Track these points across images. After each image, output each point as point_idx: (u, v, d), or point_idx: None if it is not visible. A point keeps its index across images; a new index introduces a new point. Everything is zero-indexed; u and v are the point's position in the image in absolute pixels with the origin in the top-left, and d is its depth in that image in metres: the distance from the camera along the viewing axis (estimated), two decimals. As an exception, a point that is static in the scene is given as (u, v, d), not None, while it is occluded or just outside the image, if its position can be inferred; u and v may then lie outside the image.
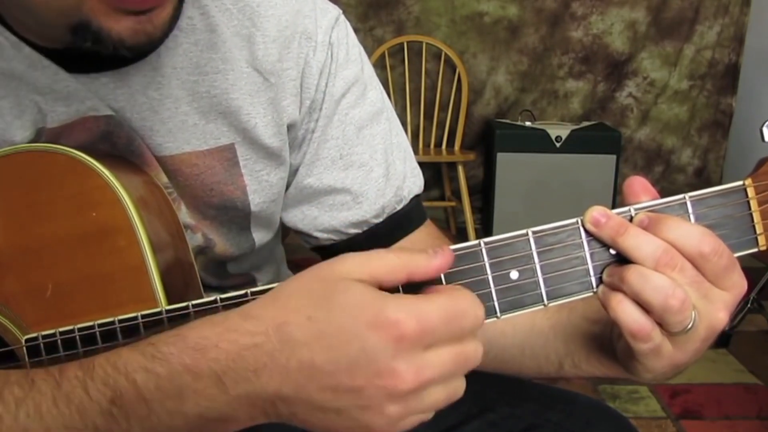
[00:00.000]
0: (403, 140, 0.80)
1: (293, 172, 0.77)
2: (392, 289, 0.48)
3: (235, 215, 0.74)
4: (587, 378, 0.65)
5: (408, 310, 0.45)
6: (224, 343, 0.47)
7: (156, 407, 0.48)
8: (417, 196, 0.80)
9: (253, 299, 0.50)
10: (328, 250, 0.78)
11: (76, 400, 0.49)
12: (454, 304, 0.47)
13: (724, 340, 2.38)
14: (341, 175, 0.75)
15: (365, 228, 0.77)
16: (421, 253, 0.49)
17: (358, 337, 0.45)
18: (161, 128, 0.68)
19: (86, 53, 0.63)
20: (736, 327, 2.39)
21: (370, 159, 0.76)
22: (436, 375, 0.46)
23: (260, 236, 0.78)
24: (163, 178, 0.69)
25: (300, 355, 0.46)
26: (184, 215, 0.72)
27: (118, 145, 0.67)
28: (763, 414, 2.05)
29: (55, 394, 0.49)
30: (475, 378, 0.75)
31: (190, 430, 0.48)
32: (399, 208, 0.78)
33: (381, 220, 0.77)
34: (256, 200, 0.74)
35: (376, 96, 0.78)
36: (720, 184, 0.54)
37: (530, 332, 0.70)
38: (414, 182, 0.80)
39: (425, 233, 0.80)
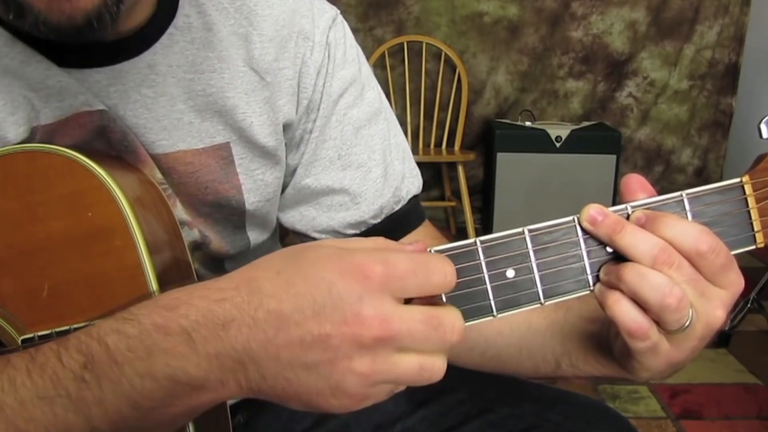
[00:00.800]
0: (402, 140, 0.80)
1: (291, 173, 0.77)
2: None
3: (229, 213, 0.74)
4: (587, 378, 0.65)
5: (374, 256, 0.46)
6: (195, 299, 0.47)
7: (127, 370, 0.47)
8: (415, 197, 0.80)
9: None
10: None
11: (50, 369, 0.48)
12: (422, 257, 0.47)
13: (724, 340, 2.38)
14: (339, 175, 0.75)
15: (363, 228, 0.77)
16: (397, 243, 0.50)
17: (324, 281, 0.45)
18: (155, 126, 0.67)
19: (81, 48, 0.63)
20: (736, 327, 2.39)
21: (369, 159, 0.76)
22: (405, 329, 0.45)
23: (255, 235, 0.78)
24: (158, 175, 0.69)
25: (267, 305, 0.45)
26: (180, 212, 0.72)
27: (112, 141, 0.67)
28: (763, 414, 2.05)
29: (29, 366, 0.49)
30: (475, 378, 0.76)
31: (162, 395, 0.48)
32: (397, 208, 0.78)
33: (379, 220, 0.77)
34: (251, 199, 0.74)
35: (374, 96, 0.78)
36: (720, 184, 0.54)
37: (527, 332, 0.70)
38: (412, 182, 0.80)
39: (423, 233, 0.80)
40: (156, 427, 0.50)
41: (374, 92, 0.78)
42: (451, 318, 0.47)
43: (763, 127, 0.55)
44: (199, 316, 0.46)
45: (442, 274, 0.47)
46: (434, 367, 0.47)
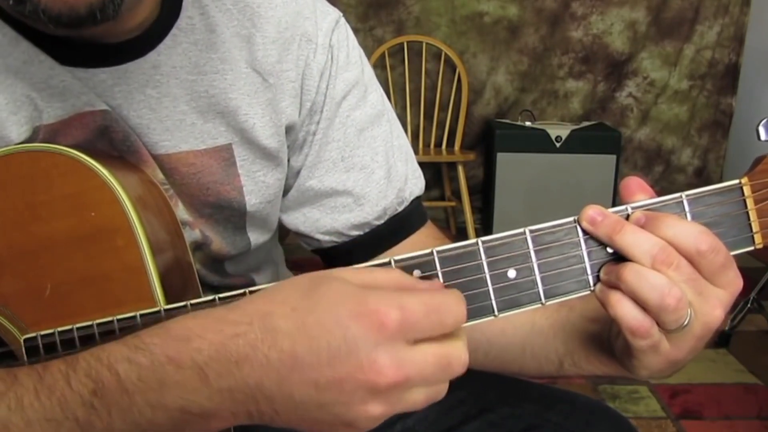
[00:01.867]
0: (404, 142, 0.81)
1: (294, 174, 0.77)
2: None
3: (230, 215, 0.74)
4: (587, 378, 0.66)
5: (389, 301, 0.45)
6: (208, 333, 0.47)
7: (138, 399, 0.47)
8: (418, 198, 0.80)
9: (251, 294, 0.50)
10: (329, 252, 0.79)
11: (58, 392, 0.48)
12: (435, 298, 0.47)
13: (724, 340, 2.38)
14: (343, 177, 0.76)
15: (367, 230, 0.77)
16: (413, 278, 0.50)
17: (339, 326, 0.45)
18: (158, 126, 0.68)
19: (86, 47, 0.63)
20: (736, 327, 2.39)
21: (372, 161, 0.76)
22: (418, 372, 0.46)
23: (256, 237, 0.78)
24: (159, 176, 0.69)
25: (282, 345, 0.45)
26: (182, 212, 0.72)
27: (115, 141, 0.67)
28: (763, 414, 2.05)
29: (38, 386, 0.49)
30: (475, 378, 0.76)
31: (172, 426, 0.48)
32: (400, 209, 0.78)
33: (382, 221, 0.77)
34: (252, 201, 0.74)
35: (376, 98, 0.78)
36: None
37: (530, 332, 0.70)
38: (415, 184, 0.80)
39: (426, 234, 0.80)
40: None
41: (377, 94, 0.78)
42: (458, 353, 0.47)
43: (761, 129, 0.55)
44: (212, 351, 0.46)
45: (454, 316, 0.47)
46: (439, 394, 0.48)
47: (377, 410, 0.46)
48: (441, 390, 0.48)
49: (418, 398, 0.47)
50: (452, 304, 0.47)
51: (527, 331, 0.70)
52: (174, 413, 0.47)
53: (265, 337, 0.46)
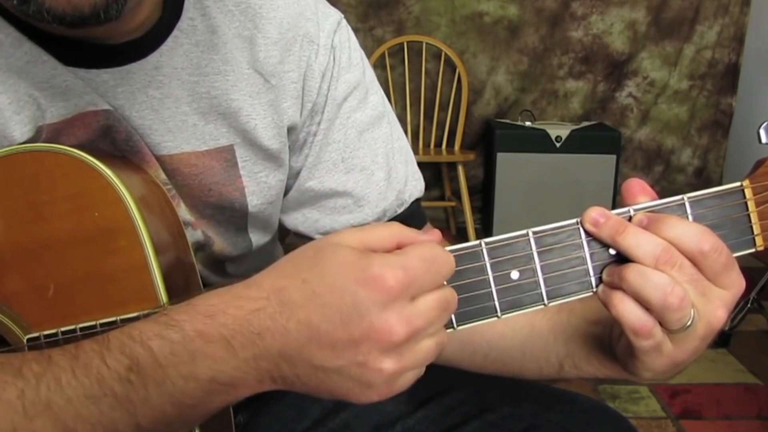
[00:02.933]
0: (405, 144, 0.81)
1: (294, 175, 0.77)
2: None
3: (232, 215, 0.75)
4: (587, 378, 0.66)
5: (392, 264, 0.48)
6: (231, 309, 0.50)
7: (171, 372, 0.50)
8: (418, 200, 0.81)
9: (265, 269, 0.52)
10: None
11: (95, 369, 0.50)
12: (430, 253, 0.50)
13: (724, 340, 2.38)
14: (343, 178, 0.76)
15: None
16: (412, 230, 0.52)
17: (348, 292, 0.47)
18: (160, 127, 0.68)
19: (89, 48, 0.63)
20: (736, 327, 2.39)
21: (372, 163, 0.77)
22: (425, 322, 0.49)
23: (257, 237, 0.79)
24: (162, 176, 0.70)
25: (298, 316, 0.48)
26: (184, 212, 0.72)
27: (117, 141, 0.67)
28: (763, 414, 2.05)
29: (74, 365, 0.51)
30: (475, 378, 0.76)
31: (204, 394, 0.50)
32: (400, 211, 0.78)
33: None
34: (254, 201, 0.74)
35: (377, 100, 0.78)
36: (720, 184, 0.54)
37: (530, 334, 0.70)
38: (415, 186, 0.80)
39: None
40: (194, 420, 0.53)
41: (377, 96, 0.78)
42: (450, 292, 0.51)
43: (762, 132, 0.55)
44: (236, 325, 0.49)
45: (447, 265, 0.51)
46: (444, 339, 0.51)
47: (392, 366, 0.48)
48: (444, 335, 0.51)
49: (429, 347, 0.50)
50: (443, 255, 0.51)
51: (527, 333, 0.70)
52: (205, 383, 0.50)
53: (282, 310, 0.49)
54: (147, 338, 0.50)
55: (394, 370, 0.48)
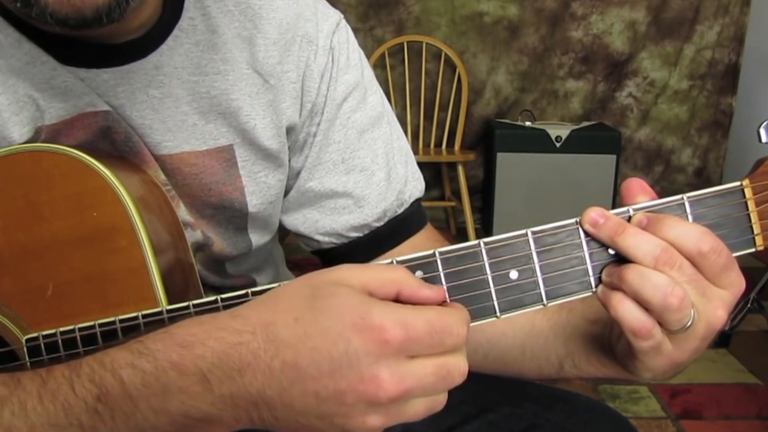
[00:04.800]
0: (404, 144, 0.81)
1: (295, 176, 0.77)
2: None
3: (232, 215, 0.75)
4: (587, 378, 0.66)
5: (394, 317, 0.46)
6: (211, 340, 0.47)
7: (141, 405, 0.47)
8: (418, 200, 0.81)
9: (254, 299, 0.50)
10: (328, 254, 0.79)
11: (62, 397, 0.49)
12: (439, 319, 0.47)
13: (724, 340, 2.38)
14: (343, 179, 0.76)
15: (366, 231, 0.77)
16: (417, 279, 0.49)
17: (342, 338, 0.45)
18: (160, 127, 0.68)
19: (89, 48, 0.63)
20: (736, 327, 2.39)
21: (372, 163, 0.76)
22: (418, 386, 0.46)
23: (257, 238, 0.79)
24: (161, 176, 0.70)
25: (284, 356, 0.46)
26: (183, 213, 0.72)
27: (116, 142, 0.67)
28: (763, 414, 2.05)
29: (41, 391, 0.49)
30: (475, 378, 0.76)
31: (174, 429, 0.48)
32: (400, 211, 0.78)
33: (382, 223, 0.77)
34: (253, 201, 0.74)
35: (376, 100, 0.78)
36: (720, 184, 0.54)
37: (530, 333, 0.70)
38: (415, 186, 0.80)
39: (425, 237, 0.80)
40: None
41: (377, 96, 0.78)
42: (457, 363, 0.48)
43: (762, 131, 0.55)
44: (215, 359, 0.46)
45: (455, 337, 0.47)
46: (439, 404, 0.49)
47: (377, 422, 0.46)
48: (441, 400, 0.48)
49: (418, 409, 0.47)
50: (455, 326, 0.47)
51: (527, 332, 0.70)
52: (177, 418, 0.47)
53: (267, 347, 0.46)
54: (118, 366, 0.48)
55: (377, 425, 0.46)
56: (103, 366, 0.49)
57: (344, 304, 0.46)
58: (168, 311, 0.58)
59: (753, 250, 0.55)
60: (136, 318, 0.58)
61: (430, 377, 0.46)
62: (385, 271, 0.49)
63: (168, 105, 0.68)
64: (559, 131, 3.29)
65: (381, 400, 0.45)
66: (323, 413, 0.46)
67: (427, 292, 0.49)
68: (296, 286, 0.49)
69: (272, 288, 0.51)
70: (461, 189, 3.28)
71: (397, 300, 0.48)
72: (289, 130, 0.74)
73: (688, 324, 0.51)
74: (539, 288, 0.53)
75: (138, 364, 0.48)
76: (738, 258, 0.53)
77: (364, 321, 0.45)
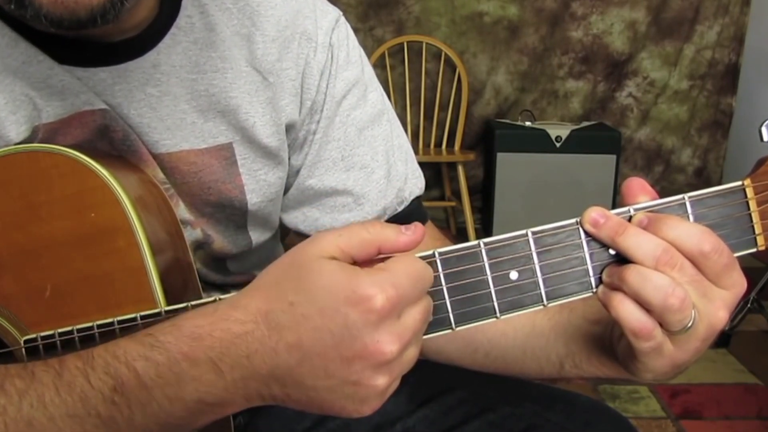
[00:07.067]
0: (404, 142, 0.81)
1: (294, 173, 0.77)
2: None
3: (232, 213, 0.74)
4: (587, 378, 0.66)
5: (381, 283, 0.48)
6: (217, 332, 0.49)
7: (156, 394, 0.49)
8: (418, 198, 0.80)
9: (249, 285, 0.52)
10: None
11: (78, 389, 0.50)
12: (414, 268, 0.50)
13: (724, 340, 2.38)
14: (343, 176, 0.76)
15: None
16: (392, 227, 0.51)
17: (339, 314, 0.47)
18: (159, 125, 0.68)
19: (86, 47, 0.63)
20: (736, 327, 2.39)
21: (372, 160, 0.76)
22: (413, 336, 0.49)
23: (257, 235, 0.78)
24: (160, 175, 0.69)
25: (287, 339, 0.48)
26: (183, 211, 0.72)
27: (114, 141, 0.67)
28: (763, 414, 2.05)
29: (57, 383, 0.51)
30: (475, 378, 0.76)
31: (190, 414, 0.50)
32: (400, 209, 0.78)
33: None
34: (253, 199, 0.74)
35: (376, 97, 0.78)
36: (720, 184, 0.54)
37: (531, 333, 0.70)
38: (415, 184, 0.80)
39: (426, 235, 0.80)
40: None
41: (377, 93, 0.78)
42: (429, 301, 0.51)
43: (763, 130, 0.55)
44: (224, 348, 0.49)
45: (430, 278, 0.51)
46: (421, 341, 0.52)
47: (384, 381, 0.49)
48: (422, 337, 0.52)
49: (413, 355, 0.51)
50: (424, 269, 0.50)
51: (528, 332, 0.70)
52: (191, 404, 0.50)
53: (271, 334, 0.48)
54: (132, 359, 0.50)
55: (387, 385, 0.49)
56: (117, 358, 0.50)
57: (333, 280, 0.48)
58: (166, 312, 0.58)
59: (754, 250, 0.55)
60: (134, 319, 0.58)
61: (419, 324, 0.50)
62: (361, 232, 0.50)
63: (166, 103, 0.67)
64: (559, 131, 3.29)
65: (386, 361, 0.48)
66: (333, 385, 0.48)
67: (405, 239, 0.51)
68: (283, 268, 0.50)
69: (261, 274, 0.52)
70: (461, 189, 3.28)
71: (380, 255, 0.51)
72: (289, 128, 0.74)
73: (689, 325, 0.51)
74: (539, 288, 0.52)
75: (151, 357, 0.50)
76: (738, 258, 0.53)
77: (356, 294, 0.47)
